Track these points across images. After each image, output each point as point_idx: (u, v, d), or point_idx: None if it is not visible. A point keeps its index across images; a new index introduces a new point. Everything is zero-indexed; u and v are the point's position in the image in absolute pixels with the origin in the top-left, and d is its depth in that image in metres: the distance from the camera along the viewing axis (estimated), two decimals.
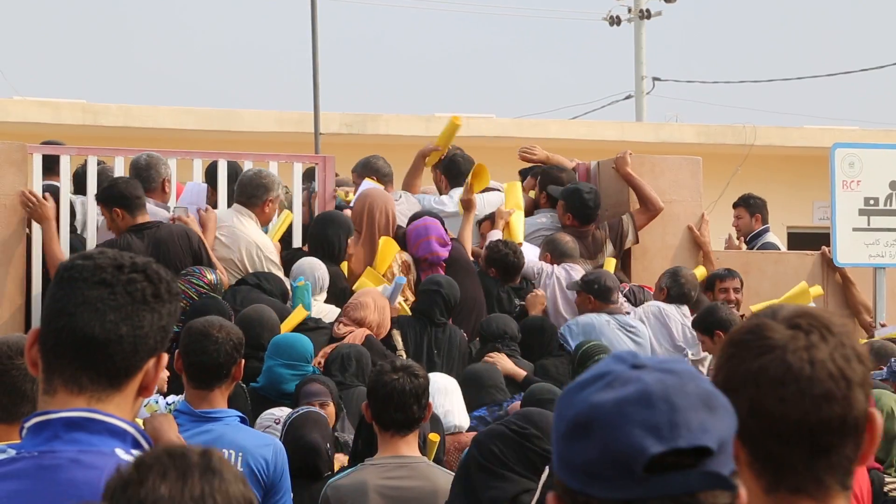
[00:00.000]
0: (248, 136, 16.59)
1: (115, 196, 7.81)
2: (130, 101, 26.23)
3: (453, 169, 9.32)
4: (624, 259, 9.34)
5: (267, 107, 22.88)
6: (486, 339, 7.92)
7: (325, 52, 11.74)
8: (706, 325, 8.09)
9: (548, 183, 9.33)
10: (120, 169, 8.67)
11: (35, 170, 8.36)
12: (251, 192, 8.21)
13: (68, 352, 2.36)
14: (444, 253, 8.34)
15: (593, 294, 8.40)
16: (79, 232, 8.48)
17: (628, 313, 8.53)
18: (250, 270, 8.03)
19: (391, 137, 17.33)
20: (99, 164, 8.69)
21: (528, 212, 9.32)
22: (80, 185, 8.65)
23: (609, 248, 9.11)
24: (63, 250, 7.93)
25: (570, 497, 1.75)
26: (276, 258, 8.19)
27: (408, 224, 8.55)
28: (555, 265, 8.73)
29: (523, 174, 9.95)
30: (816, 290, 9.13)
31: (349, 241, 8.24)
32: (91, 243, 8.23)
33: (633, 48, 23.03)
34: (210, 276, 7.44)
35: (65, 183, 8.38)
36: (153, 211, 8.05)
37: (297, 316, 7.51)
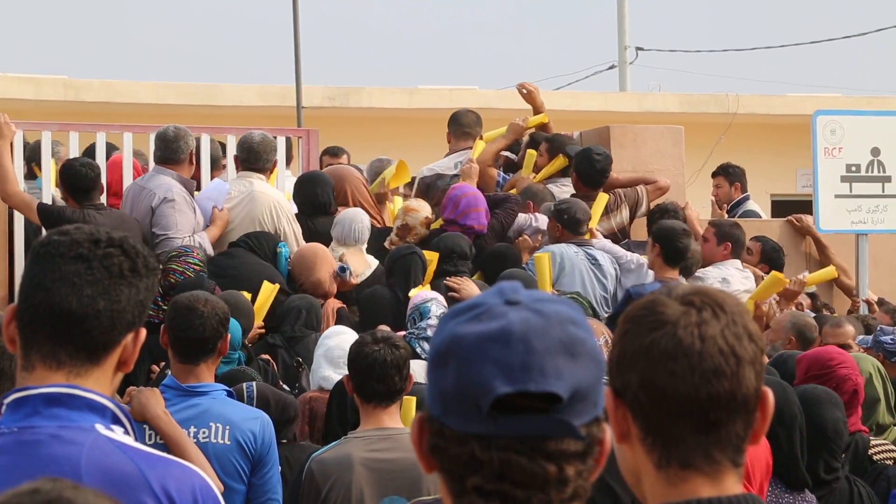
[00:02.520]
0: (231, 111, 16.53)
1: (65, 179, 7.76)
2: (112, 76, 26.08)
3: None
4: None
5: (249, 81, 22.83)
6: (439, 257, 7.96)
7: (306, 24, 11.69)
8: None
9: (558, 151, 9.29)
10: (102, 144, 8.66)
11: (17, 148, 8.34)
12: (265, 158, 8.30)
13: (46, 327, 2.36)
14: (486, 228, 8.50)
15: (562, 223, 8.39)
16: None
17: (592, 246, 8.44)
18: (272, 230, 8.06)
19: (374, 110, 17.31)
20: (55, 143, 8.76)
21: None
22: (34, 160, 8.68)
23: (625, 212, 9.10)
24: (13, 171, 7.88)
25: (429, 422, 1.79)
26: (292, 215, 8.24)
27: (448, 191, 8.60)
28: (536, 213, 8.76)
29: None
30: (831, 271, 9.24)
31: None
32: None
33: (616, 18, 22.96)
34: (200, 252, 7.45)
35: (17, 158, 8.34)
36: (177, 188, 7.96)
37: (266, 293, 7.40)
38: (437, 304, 7.16)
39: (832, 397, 5.38)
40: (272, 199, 8.14)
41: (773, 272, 8.55)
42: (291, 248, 7.98)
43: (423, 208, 8.52)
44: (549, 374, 1.72)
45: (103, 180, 8.10)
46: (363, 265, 8.01)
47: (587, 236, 8.49)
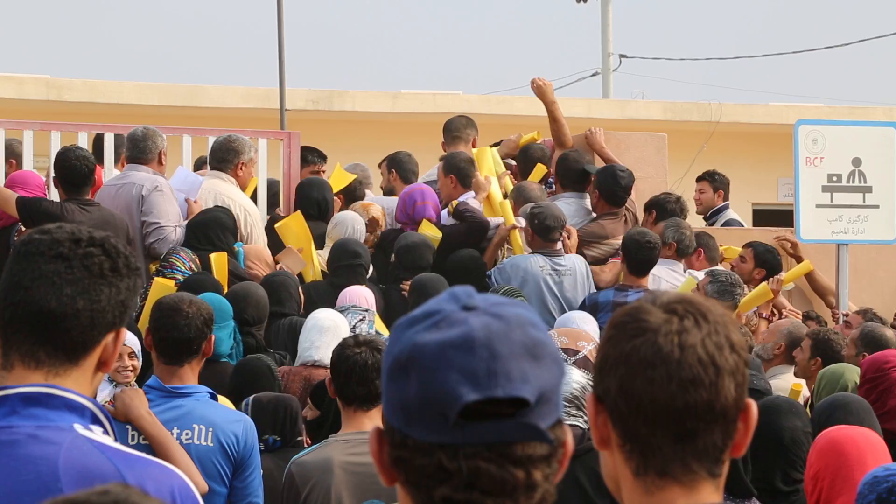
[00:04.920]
0: (214, 112, 16.50)
1: (58, 170, 7.75)
2: (95, 76, 26.01)
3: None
4: None
5: (232, 82, 22.79)
6: (400, 267, 8.02)
7: (291, 27, 11.70)
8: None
9: (565, 166, 9.13)
10: (84, 145, 8.64)
11: None
12: (222, 157, 8.41)
13: (25, 326, 2.35)
14: (435, 217, 8.52)
15: (532, 228, 8.26)
16: None
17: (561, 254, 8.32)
18: (242, 236, 8.14)
19: (357, 114, 17.30)
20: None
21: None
22: None
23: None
24: None
25: (390, 434, 1.76)
26: (261, 223, 8.34)
27: (401, 195, 8.75)
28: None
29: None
30: (806, 265, 9.33)
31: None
32: None
33: (600, 25, 23.01)
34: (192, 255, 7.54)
35: None
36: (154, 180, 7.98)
37: (219, 260, 7.51)
38: (352, 315, 7.09)
39: (793, 406, 5.32)
40: (242, 206, 8.21)
41: (763, 284, 8.59)
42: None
43: (376, 202, 8.87)
44: (515, 379, 1.70)
45: None
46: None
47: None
